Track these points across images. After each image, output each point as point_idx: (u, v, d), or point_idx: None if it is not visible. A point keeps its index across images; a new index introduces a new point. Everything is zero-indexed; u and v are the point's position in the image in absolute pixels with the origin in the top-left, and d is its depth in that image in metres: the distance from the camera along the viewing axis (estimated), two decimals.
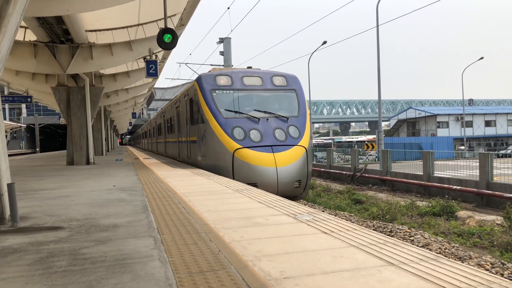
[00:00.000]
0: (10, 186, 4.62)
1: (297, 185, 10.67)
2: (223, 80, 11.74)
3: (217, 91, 11.50)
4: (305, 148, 11.01)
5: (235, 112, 11.22)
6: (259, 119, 11.16)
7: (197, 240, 3.74)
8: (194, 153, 13.27)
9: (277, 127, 11.11)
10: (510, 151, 37.53)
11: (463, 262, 7.67)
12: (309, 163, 11.20)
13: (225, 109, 11.23)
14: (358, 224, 9.18)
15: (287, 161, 10.43)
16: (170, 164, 14.96)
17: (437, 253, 7.97)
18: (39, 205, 6.07)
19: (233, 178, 9.92)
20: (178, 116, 16.64)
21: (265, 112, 11.48)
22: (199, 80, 12.02)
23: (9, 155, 5.79)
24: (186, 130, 14.52)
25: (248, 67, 13.47)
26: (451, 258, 8.32)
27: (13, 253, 3.48)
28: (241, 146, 10.45)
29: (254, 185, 9.54)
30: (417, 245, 9.07)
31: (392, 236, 10.16)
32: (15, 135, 67.39)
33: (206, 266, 2.99)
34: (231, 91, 11.62)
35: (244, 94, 11.74)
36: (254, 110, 11.46)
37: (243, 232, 4.00)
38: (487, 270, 7.56)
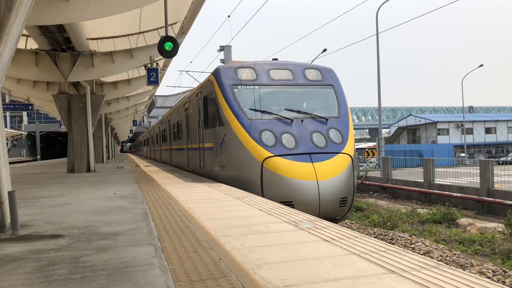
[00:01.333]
0: (11, 194, 4.62)
1: (342, 204, 8.63)
2: (246, 74, 9.85)
3: (239, 87, 9.61)
4: (350, 156, 9.06)
5: (262, 112, 9.34)
6: (292, 120, 9.23)
7: (197, 248, 3.73)
8: (210, 162, 11.30)
9: (315, 130, 9.18)
10: (510, 158, 37.51)
11: (464, 270, 7.63)
12: (355, 176, 9.26)
13: (249, 109, 9.35)
14: (359, 232, 9.15)
15: (330, 173, 8.50)
16: (177, 174, 13.01)
17: (438, 260, 7.94)
18: (40, 212, 6.07)
19: (262, 195, 8.35)
20: (188, 119, 14.66)
21: (298, 111, 9.56)
22: (216, 73, 10.06)
23: (10, 163, 5.80)
24: (199, 135, 12.58)
25: (274, 59, 11.23)
26: (453, 265, 8.29)
27: (13, 261, 3.47)
28: (272, 154, 8.54)
29: (289, 204, 7.91)
30: (418, 253, 9.03)
31: (393, 243, 10.13)
32: (15, 142, 67.43)
33: (207, 274, 2.98)
34: (257, 87, 9.72)
35: (272, 90, 9.87)
36: (285, 109, 9.54)
37: (244, 239, 3.99)
38: (488, 278, 7.53)
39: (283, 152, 8.62)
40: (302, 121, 9.31)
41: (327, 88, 10.28)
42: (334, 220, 8.75)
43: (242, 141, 8.93)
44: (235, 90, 9.56)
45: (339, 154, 8.89)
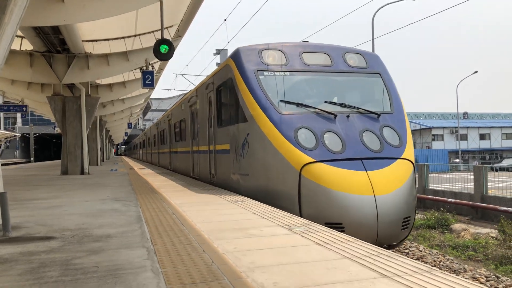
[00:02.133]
0: (2, 195, 4.58)
1: (405, 225, 6.72)
2: (273, 57, 8.09)
3: (265, 73, 7.80)
4: (412, 163, 7.21)
5: (297, 104, 7.47)
6: (335, 115, 7.36)
7: (190, 250, 3.71)
8: (224, 168, 9.30)
9: (366, 128, 7.36)
10: (505, 164, 37.77)
11: (457, 275, 7.65)
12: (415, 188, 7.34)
13: (280, 100, 7.51)
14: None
15: (390, 185, 6.56)
16: (182, 183, 10.67)
17: (432, 265, 7.96)
18: (32, 214, 6.02)
19: (300, 213, 6.47)
20: (194, 117, 12.76)
21: (342, 105, 7.73)
22: (236, 56, 8.23)
23: (2, 164, 5.77)
24: (209, 135, 10.62)
25: (304, 42, 9.33)
26: (446, 270, 8.31)
27: (3, 263, 3.44)
28: (313, 159, 6.60)
29: (338, 226, 6.08)
30: (412, 258, 9.05)
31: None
32: (8, 144, 67.00)
33: (199, 277, 2.96)
34: (287, 73, 7.89)
35: (307, 77, 8.03)
36: (325, 102, 7.71)
37: (237, 243, 3.98)
38: (481, 283, 7.55)
39: (328, 157, 6.70)
40: (347, 116, 7.45)
41: (374, 77, 8.43)
42: (391, 245, 6.98)
43: (273, 141, 7.06)
44: (260, 77, 7.73)
45: (398, 160, 7.01)
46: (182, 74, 30.28)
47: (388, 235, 6.45)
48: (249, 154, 7.74)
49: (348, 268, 3.11)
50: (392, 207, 6.40)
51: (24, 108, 25.69)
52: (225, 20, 24.00)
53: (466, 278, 6.93)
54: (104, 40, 15.31)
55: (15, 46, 14.44)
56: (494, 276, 7.95)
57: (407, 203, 6.67)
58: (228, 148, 8.90)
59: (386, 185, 6.50)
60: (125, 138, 70.56)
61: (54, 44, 13.88)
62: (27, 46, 14.60)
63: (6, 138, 58.42)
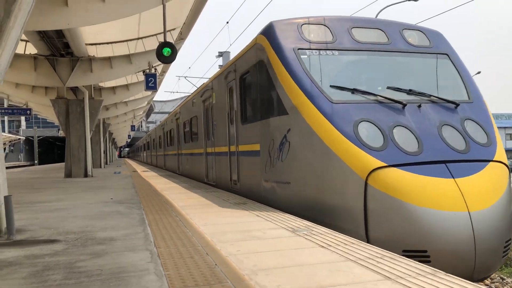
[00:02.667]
0: (7, 199, 4.61)
1: (506, 251, 5.04)
2: (316, 33, 6.52)
3: (308, 52, 6.25)
4: (507, 167, 5.62)
5: (353, 91, 5.89)
6: (404, 104, 5.74)
7: (193, 253, 3.72)
8: (252, 174, 7.63)
9: (444, 121, 5.76)
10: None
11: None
12: None
13: (330, 86, 5.92)
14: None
15: (487, 198, 4.91)
16: (197, 191, 8.82)
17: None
18: (36, 217, 6.05)
19: (367, 236, 4.85)
20: (208, 113, 11.20)
21: (409, 92, 6.09)
22: (270, 32, 6.67)
23: (7, 168, 5.79)
24: (229, 134, 9.08)
25: None
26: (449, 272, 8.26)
27: (8, 266, 3.45)
28: (384, 163, 5.00)
29: (421, 255, 4.54)
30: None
31: None
32: (12, 148, 67.28)
33: (202, 280, 2.97)
34: (336, 53, 6.34)
35: (360, 58, 6.51)
36: (388, 88, 6.12)
37: (240, 245, 3.98)
38: (486, 285, 7.51)
39: (402, 160, 5.10)
40: (419, 106, 5.86)
41: (441, 58, 6.85)
42: (484, 278, 5.42)
43: (325, 138, 5.43)
44: (302, 57, 6.20)
45: (490, 163, 5.38)
46: (185, 77, 30.35)
47: (487, 265, 4.77)
48: (291, 156, 6.09)
49: (352, 270, 3.11)
50: (491, 227, 4.75)
51: (28, 111, 25.84)
52: (227, 22, 24.07)
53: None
54: (107, 43, 15.39)
55: (20, 50, 14.54)
56: (498, 278, 7.91)
57: (507, 220, 5.04)
58: (258, 148, 7.31)
59: (482, 198, 4.85)
60: (128, 140, 70.79)
61: (58, 47, 13.97)
62: (31, 50, 14.70)
63: (10, 141, 58.69)
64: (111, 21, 10.28)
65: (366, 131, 5.39)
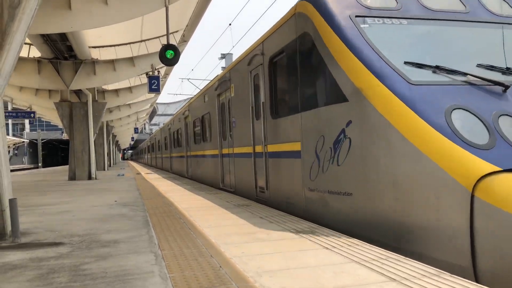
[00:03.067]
0: (12, 202, 4.62)
1: None
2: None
3: (368, 21, 4.99)
4: None
5: (435, 69, 4.60)
6: (507, 87, 4.44)
7: (197, 255, 3.72)
8: (289, 180, 6.27)
9: None
10: None
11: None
12: None
13: (405, 62, 4.61)
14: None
15: None
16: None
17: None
18: (41, 220, 6.07)
19: (474, 268, 3.44)
20: (224, 109, 9.95)
21: (506, 71, 4.81)
22: None
23: (11, 171, 5.82)
24: (253, 131, 7.76)
25: None
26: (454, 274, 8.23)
27: (13, 269, 3.47)
28: (498, 168, 3.57)
29: None
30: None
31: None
32: (16, 152, 67.55)
33: (207, 282, 2.97)
34: (404, 21, 5.07)
35: (435, 28, 5.15)
36: (478, 66, 4.81)
37: (244, 247, 3.98)
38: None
39: None
40: None
41: None
42: None
43: (408, 133, 4.07)
44: (363, 26, 4.91)
45: None
46: (188, 79, 30.41)
47: None
48: (352, 158, 4.67)
49: (356, 272, 3.10)
50: None
51: (32, 115, 25.97)
52: (230, 24, 24.11)
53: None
54: (110, 46, 15.45)
55: (23, 53, 14.62)
56: None
57: None
58: (297, 148, 5.92)
59: None
60: (132, 143, 70.95)
61: (61, 50, 14.04)
62: (35, 53, 14.78)
63: (14, 144, 58.97)
64: (114, 24, 10.32)
65: (463, 122, 4.00)
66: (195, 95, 14.60)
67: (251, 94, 7.85)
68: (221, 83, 10.06)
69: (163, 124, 24.39)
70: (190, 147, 14.99)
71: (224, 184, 10.16)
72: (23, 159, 69.54)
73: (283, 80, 6.50)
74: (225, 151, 9.94)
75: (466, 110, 4.12)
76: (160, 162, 27.91)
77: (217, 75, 10.92)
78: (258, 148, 7.56)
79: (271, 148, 6.96)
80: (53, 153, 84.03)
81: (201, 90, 13.05)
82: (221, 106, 10.21)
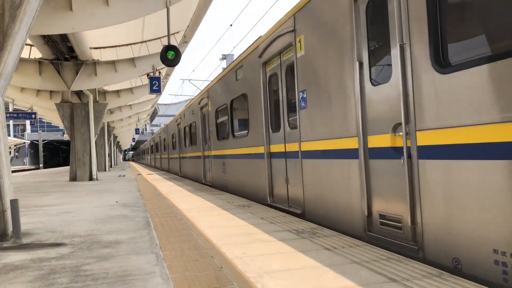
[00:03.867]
0: (13, 202, 4.63)
1: None
2: None
3: None
4: None
5: None
6: None
7: (199, 256, 3.72)
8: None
9: None
10: None
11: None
12: None
13: None
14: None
15: None
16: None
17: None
18: (42, 221, 6.07)
19: None
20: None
21: None
22: None
23: (12, 171, 5.83)
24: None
25: None
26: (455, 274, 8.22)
27: (14, 269, 3.47)
28: None
29: None
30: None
31: None
32: (17, 154, 67.59)
33: (208, 283, 2.97)
34: None
35: None
36: None
37: (245, 248, 3.98)
38: None
39: None
40: None
41: None
42: None
43: None
44: None
45: None
46: (189, 79, 30.44)
47: None
48: None
49: (357, 273, 3.10)
50: None
51: (33, 115, 25.98)
52: (231, 25, 24.12)
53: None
54: (112, 47, 15.46)
55: (24, 54, 14.64)
56: None
57: None
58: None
59: None
60: (133, 143, 71.02)
61: (62, 51, 14.05)
62: (36, 54, 14.79)
63: (15, 145, 59.04)
64: (115, 25, 10.33)
65: None
66: (203, 89, 12.33)
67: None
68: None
69: (175, 116, 19.56)
70: (205, 146, 12.14)
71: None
72: (24, 160, 69.62)
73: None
74: (271, 149, 7.09)
75: None
76: (166, 163, 24.51)
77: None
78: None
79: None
80: (54, 154, 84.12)
81: (227, 67, 9.97)
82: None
